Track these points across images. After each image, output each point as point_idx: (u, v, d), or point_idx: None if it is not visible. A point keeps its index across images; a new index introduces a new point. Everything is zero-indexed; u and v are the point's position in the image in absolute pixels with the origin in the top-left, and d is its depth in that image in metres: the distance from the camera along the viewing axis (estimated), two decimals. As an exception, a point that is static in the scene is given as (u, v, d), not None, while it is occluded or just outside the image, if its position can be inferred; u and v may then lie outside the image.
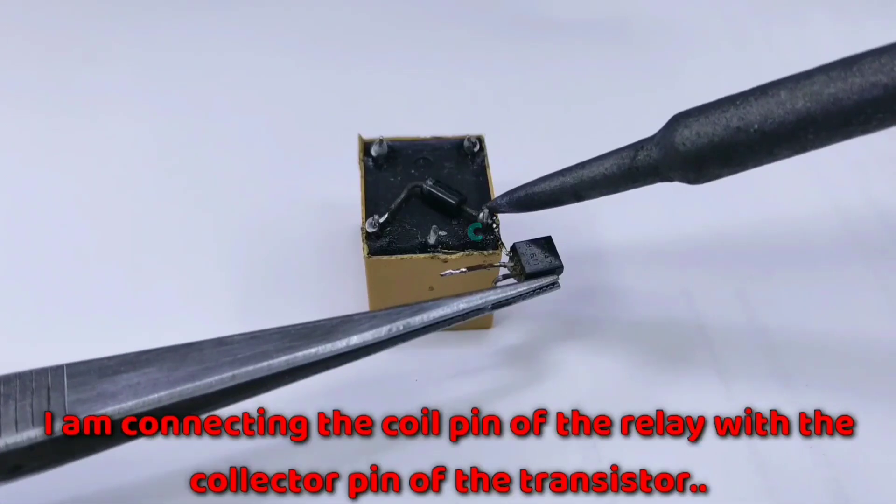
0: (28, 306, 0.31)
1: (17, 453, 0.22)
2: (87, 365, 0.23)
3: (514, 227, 0.29)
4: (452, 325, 0.26)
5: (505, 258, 0.28)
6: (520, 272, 0.27)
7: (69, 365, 0.23)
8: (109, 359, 0.23)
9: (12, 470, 0.22)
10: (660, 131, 0.25)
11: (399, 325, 0.25)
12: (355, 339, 0.25)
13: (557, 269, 0.27)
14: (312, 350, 0.24)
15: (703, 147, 0.23)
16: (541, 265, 0.27)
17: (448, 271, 0.28)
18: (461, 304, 0.26)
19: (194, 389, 0.23)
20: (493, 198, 0.29)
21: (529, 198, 0.28)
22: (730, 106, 0.23)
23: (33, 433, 0.22)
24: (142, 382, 0.23)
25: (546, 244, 0.28)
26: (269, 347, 0.24)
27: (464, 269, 0.28)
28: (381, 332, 0.25)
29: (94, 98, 0.40)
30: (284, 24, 0.44)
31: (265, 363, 0.24)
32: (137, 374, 0.23)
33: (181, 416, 0.23)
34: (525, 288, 0.27)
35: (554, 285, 0.27)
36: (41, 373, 0.23)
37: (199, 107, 0.39)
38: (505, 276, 0.28)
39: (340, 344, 0.24)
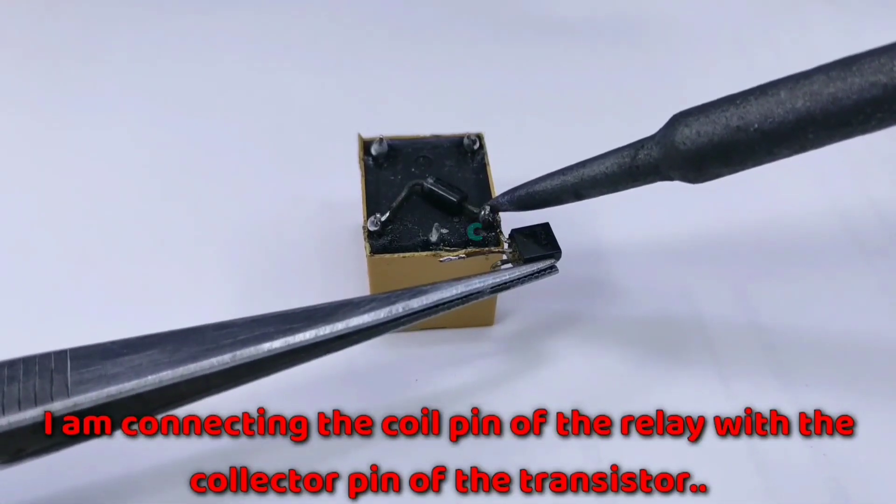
0: (35, 301, 0.31)
1: (20, 433, 0.22)
2: (90, 349, 0.23)
3: (515, 224, 0.29)
4: (451, 308, 0.26)
5: (503, 244, 0.28)
6: (518, 258, 0.28)
7: (72, 349, 0.23)
8: (112, 343, 0.24)
9: (15, 452, 0.22)
10: (660, 130, 0.25)
11: (398, 308, 0.25)
12: (354, 322, 0.25)
13: (555, 253, 0.28)
14: (312, 332, 0.24)
15: (703, 146, 0.23)
16: (538, 250, 0.28)
17: (447, 257, 0.28)
18: (460, 288, 0.26)
19: (195, 370, 0.23)
20: (493, 195, 0.29)
21: (530, 196, 0.28)
22: (730, 105, 0.23)
23: (35, 412, 0.22)
24: (143, 364, 0.23)
25: (544, 230, 0.28)
26: (269, 330, 0.24)
27: (462, 255, 0.28)
28: (381, 314, 0.25)
29: (99, 98, 0.40)
30: (284, 23, 0.44)
31: (265, 345, 0.24)
32: (139, 356, 0.23)
33: (182, 400, 0.23)
34: (523, 272, 0.27)
35: (552, 269, 0.28)
36: (45, 357, 0.23)
37: (202, 107, 0.39)
38: (503, 262, 0.28)
39: (339, 326, 0.25)
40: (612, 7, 0.46)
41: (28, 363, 0.23)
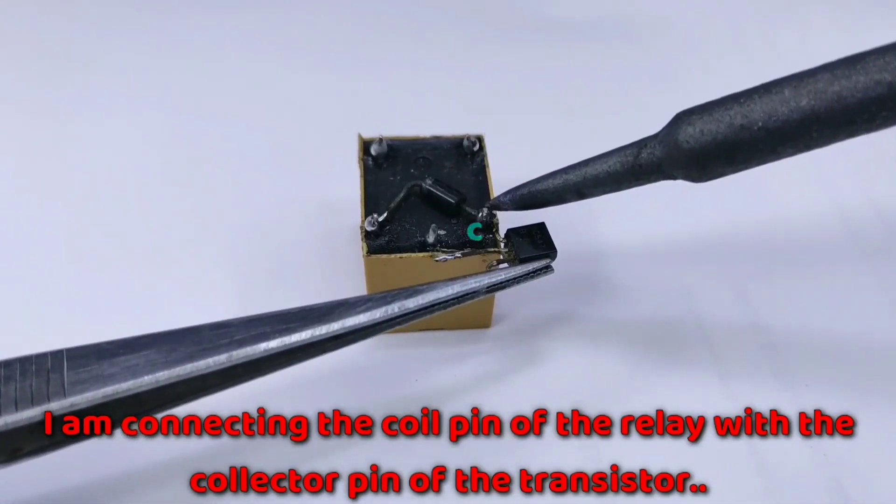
0: (34, 301, 0.31)
1: (17, 432, 0.22)
2: (86, 349, 0.23)
3: (515, 223, 0.29)
4: (447, 308, 0.26)
5: (500, 244, 0.28)
6: (514, 257, 0.28)
7: (69, 349, 0.23)
8: (108, 343, 0.24)
9: (12, 452, 0.22)
10: (664, 129, 0.25)
11: (394, 308, 0.25)
12: (351, 322, 0.25)
13: (550, 253, 0.28)
14: (308, 332, 0.24)
15: (706, 145, 0.23)
16: (534, 250, 0.28)
17: (442, 256, 0.28)
18: (456, 287, 0.26)
19: (191, 370, 0.23)
20: (492, 197, 0.29)
21: (533, 195, 0.28)
22: (734, 104, 0.23)
23: (32, 413, 0.22)
24: (140, 364, 0.23)
25: (539, 230, 0.28)
26: (265, 329, 0.24)
27: (458, 255, 0.28)
28: (377, 314, 0.25)
29: (98, 98, 0.40)
30: (285, 23, 0.44)
31: (261, 345, 0.24)
32: (136, 356, 0.23)
33: (179, 400, 0.23)
34: (519, 271, 0.27)
35: (547, 269, 0.28)
36: (41, 357, 0.23)
37: (202, 107, 0.39)
38: (499, 262, 0.28)
39: (336, 326, 0.25)
40: (611, 7, 0.46)
41: (24, 363, 0.23)
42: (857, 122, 0.21)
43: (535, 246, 0.28)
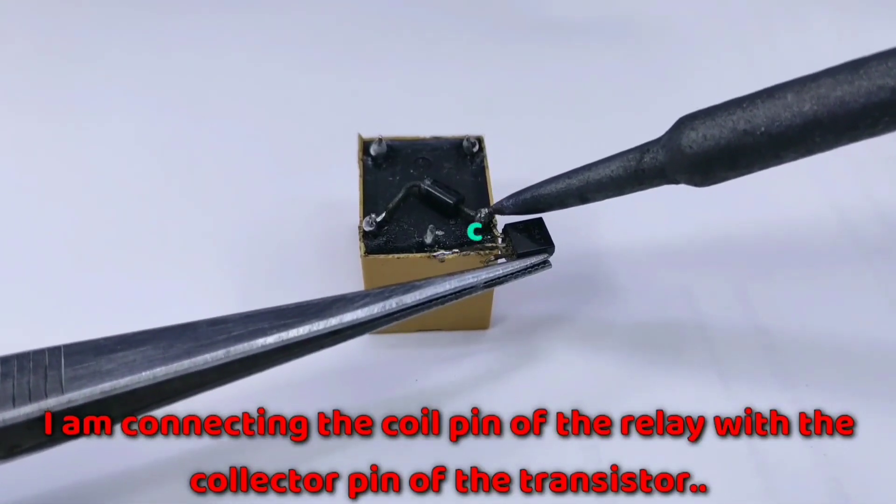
0: (34, 300, 0.31)
1: (15, 429, 0.22)
2: (83, 346, 0.23)
3: (514, 218, 0.29)
4: (445, 304, 0.26)
5: (498, 240, 0.28)
6: (511, 252, 0.28)
7: (66, 346, 0.23)
8: (106, 339, 0.24)
9: (10, 449, 0.22)
10: (666, 133, 0.25)
11: (392, 303, 0.25)
12: (348, 317, 0.25)
13: (548, 248, 0.28)
14: (305, 328, 0.24)
15: (709, 150, 0.23)
16: (531, 245, 0.28)
17: (440, 252, 0.28)
18: (453, 282, 0.26)
19: (189, 366, 0.23)
20: (491, 198, 0.29)
21: (535, 200, 0.28)
22: (736, 108, 0.23)
23: (30, 409, 0.22)
24: (137, 360, 0.23)
25: (537, 226, 0.28)
26: (263, 325, 0.24)
27: (456, 250, 0.28)
28: (374, 309, 0.25)
29: (99, 98, 0.40)
30: (285, 23, 0.44)
31: (258, 341, 0.24)
32: (133, 352, 0.23)
33: (176, 396, 0.24)
34: (516, 266, 0.27)
35: (545, 264, 0.28)
36: (39, 353, 0.23)
37: (202, 107, 0.39)
38: (497, 257, 0.28)
39: (333, 322, 0.25)
40: (611, 7, 0.46)
41: (22, 360, 0.23)
42: (860, 128, 0.21)
43: (532, 241, 0.28)
